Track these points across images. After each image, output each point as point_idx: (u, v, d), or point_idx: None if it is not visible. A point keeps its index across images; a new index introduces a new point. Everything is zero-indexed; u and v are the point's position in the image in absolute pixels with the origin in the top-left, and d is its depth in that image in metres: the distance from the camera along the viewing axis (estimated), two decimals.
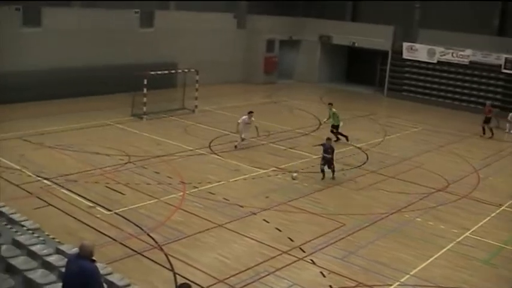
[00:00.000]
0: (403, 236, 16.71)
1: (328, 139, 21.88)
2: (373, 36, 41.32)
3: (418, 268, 14.68)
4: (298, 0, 46.76)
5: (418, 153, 25.95)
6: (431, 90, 39.85)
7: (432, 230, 17.29)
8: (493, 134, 30.21)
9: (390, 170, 23.12)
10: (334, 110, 27.02)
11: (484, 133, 30.46)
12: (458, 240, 16.60)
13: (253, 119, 24.83)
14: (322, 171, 21.30)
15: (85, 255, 8.41)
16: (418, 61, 40.44)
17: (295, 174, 20.29)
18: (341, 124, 26.97)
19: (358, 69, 46.26)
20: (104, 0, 33.89)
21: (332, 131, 26.73)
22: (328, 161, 21.25)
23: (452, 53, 38.63)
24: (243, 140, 24.76)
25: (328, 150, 21.20)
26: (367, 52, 43.87)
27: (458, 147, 27.79)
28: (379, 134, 29.25)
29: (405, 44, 40.81)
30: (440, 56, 39.20)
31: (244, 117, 24.65)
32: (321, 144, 21.63)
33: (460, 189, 21.11)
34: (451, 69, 39.08)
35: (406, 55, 40.88)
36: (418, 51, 40.25)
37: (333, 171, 21.39)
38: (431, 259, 15.28)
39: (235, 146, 24.62)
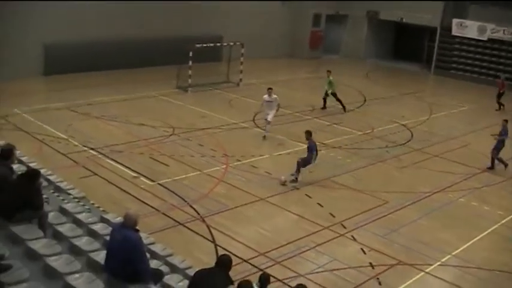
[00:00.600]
0: (446, 216, 16.55)
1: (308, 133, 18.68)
2: (421, 12, 40.43)
3: (460, 249, 14.53)
4: None
5: (465, 133, 25.52)
6: (480, 68, 38.97)
7: (476, 211, 17.08)
8: (501, 107, 30.38)
9: (435, 148, 22.82)
10: (331, 78, 27.25)
11: (499, 108, 30.38)
12: (502, 222, 16.36)
13: (274, 95, 22.52)
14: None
15: (129, 225, 8.54)
16: (468, 38, 39.46)
17: (283, 178, 17.94)
18: (329, 91, 27.32)
19: (405, 45, 45.43)
20: None
21: (325, 99, 27.53)
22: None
23: (504, 31, 37.58)
24: (268, 123, 22.25)
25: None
26: (415, 28, 43.03)
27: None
28: (425, 112, 28.84)
29: (455, 21, 39.85)
30: (492, 33, 38.18)
31: (264, 96, 22.68)
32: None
33: (507, 171, 20.70)
34: (502, 47, 38.05)
35: (455, 32, 39.94)
36: (468, 28, 39.27)
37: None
38: (473, 240, 15.11)
39: (264, 137, 22.39)
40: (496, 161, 20.83)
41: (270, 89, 22.76)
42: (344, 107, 27.32)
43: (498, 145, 20.78)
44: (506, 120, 21.41)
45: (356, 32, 44.79)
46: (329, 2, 43.01)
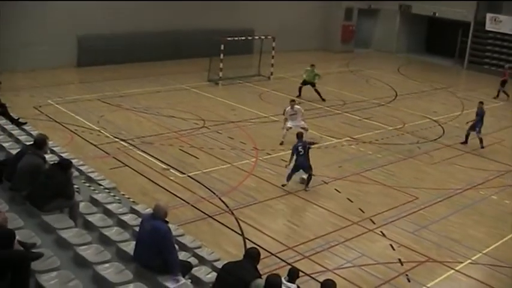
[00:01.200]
0: (477, 213, 16.35)
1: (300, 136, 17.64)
2: (454, 6, 39.91)
3: (491, 247, 14.34)
4: None
5: (498, 129, 25.13)
6: None
7: (508, 208, 16.83)
8: (508, 96, 30.81)
9: (467, 145, 22.53)
10: (316, 70, 27.55)
11: (497, 96, 31.06)
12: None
13: (297, 106, 21.38)
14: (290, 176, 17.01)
15: (159, 216, 8.60)
16: (502, 33, 38.79)
17: (303, 177, 17.23)
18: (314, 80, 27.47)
19: (438, 40, 44.86)
20: None
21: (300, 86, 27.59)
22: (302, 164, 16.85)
23: None
24: (288, 129, 20.79)
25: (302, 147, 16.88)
26: (448, 23, 42.47)
27: None
28: (457, 107, 28.49)
29: (489, 15, 39.22)
30: None
31: (287, 108, 21.34)
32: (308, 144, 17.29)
33: None
34: None
35: (489, 27, 39.30)
36: (502, 23, 38.61)
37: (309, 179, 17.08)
38: (505, 239, 14.89)
39: (281, 143, 20.77)
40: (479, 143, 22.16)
41: (293, 101, 21.62)
42: (321, 97, 27.51)
43: (477, 124, 22.03)
44: (481, 102, 22.67)
45: (388, 26, 44.38)
46: None
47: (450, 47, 42.86)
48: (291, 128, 20.70)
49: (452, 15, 40.61)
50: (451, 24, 42.34)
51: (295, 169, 16.83)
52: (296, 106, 21.38)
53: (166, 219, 8.70)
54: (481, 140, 22.14)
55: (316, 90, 27.42)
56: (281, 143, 20.66)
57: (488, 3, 39.87)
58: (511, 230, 15.37)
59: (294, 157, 16.80)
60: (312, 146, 17.67)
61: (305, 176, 17.14)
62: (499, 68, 38.28)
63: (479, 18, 39.75)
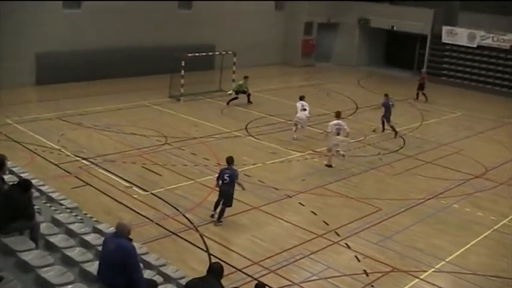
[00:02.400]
0: (440, 222, 16.56)
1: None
2: (412, 20, 40.66)
3: (455, 255, 14.54)
4: None
5: (457, 139, 25.58)
6: (471, 75, 39.12)
7: (469, 216, 17.10)
8: (427, 99, 33.05)
9: (428, 155, 22.86)
10: (241, 82, 28.89)
11: (417, 98, 33.37)
12: (495, 227, 16.37)
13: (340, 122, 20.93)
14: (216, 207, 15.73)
15: (122, 234, 8.50)
16: (458, 45, 39.68)
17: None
18: (231, 92, 29.14)
19: (397, 52, 45.61)
20: None
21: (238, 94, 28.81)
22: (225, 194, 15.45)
23: (493, 37, 37.83)
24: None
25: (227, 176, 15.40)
26: (406, 36, 43.22)
27: (497, 133, 27.33)
28: (416, 118, 28.89)
29: (445, 28, 40.09)
30: (481, 40, 38.42)
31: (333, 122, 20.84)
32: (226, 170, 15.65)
33: (499, 176, 20.78)
34: (492, 53, 38.28)
35: (445, 39, 40.16)
36: (458, 35, 39.50)
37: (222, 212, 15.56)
38: (468, 246, 15.13)
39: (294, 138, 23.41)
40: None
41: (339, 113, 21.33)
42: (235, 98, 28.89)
43: (385, 115, 25.06)
44: (386, 95, 25.63)
45: (348, 39, 44.91)
46: (320, 10, 43.13)
47: (409, 60, 43.61)
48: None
49: (410, 29, 41.40)
50: (409, 37, 43.14)
51: (219, 197, 15.52)
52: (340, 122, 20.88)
53: (130, 237, 8.61)
54: (393, 128, 24.95)
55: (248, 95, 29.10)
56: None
57: (444, 16, 40.71)
58: (474, 237, 15.63)
59: (220, 183, 15.40)
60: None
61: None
62: (457, 79, 39.22)
63: (436, 31, 40.61)
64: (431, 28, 40.81)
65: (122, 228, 8.55)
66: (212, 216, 15.61)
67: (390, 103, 25.42)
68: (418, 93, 33.47)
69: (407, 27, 41.37)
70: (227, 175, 15.34)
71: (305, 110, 23.50)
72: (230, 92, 29.53)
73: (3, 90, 26.96)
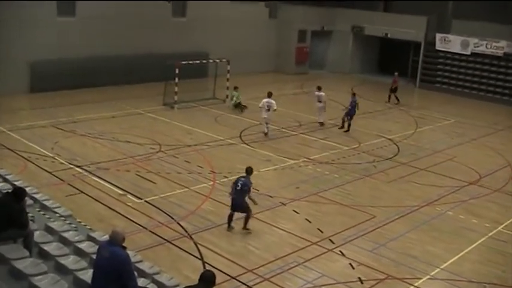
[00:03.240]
0: (434, 229, 16.57)
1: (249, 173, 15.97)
2: (405, 27, 40.86)
3: (449, 262, 14.54)
4: None
5: (451, 146, 25.65)
6: (464, 82, 39.27)
7: (464, 223, 17.11)
8: (398, 101, 34.26)
9: (422, 162, 22.90)
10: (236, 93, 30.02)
11: (389, 100, 34.59)
12: (490, 234, 16.39)
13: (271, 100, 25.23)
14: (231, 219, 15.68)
15: (116, 242, 8.46)
16: (451, 52, 39.86)
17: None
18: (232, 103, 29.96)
19: (391, 60, 45.72)
20: None
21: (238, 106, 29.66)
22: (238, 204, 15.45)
23: (487, 44, 37.99)
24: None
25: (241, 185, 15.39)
26: (399, 43, 43.39)
27: (491, 140, 27.40)
28: (410, 125, 28.96)
29: (438, 35, 40.26)
30: (474, 47, 38.58)
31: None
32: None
33: (493, 183, 20.82)
34: (485, 60, 38.44)
35: (439, 46, 40.33)
36: (452, 43, 39.67)
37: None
38: (462, 253, 15.13)
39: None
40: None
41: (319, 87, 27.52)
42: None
43: (351, 112, 26.58)
44: (354, 94, 27.31)
45: (341, 47, 45.06)
46: (314, 18, 43.30)
47: (403, 67, 43.73)
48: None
49: (403, 36, 41.59)
50: (402, 45, 43.28)
51: (231, 209, 15.50)
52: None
53: (124, 244, 8.57)
54: (349, 125, 26.54)
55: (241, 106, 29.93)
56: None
57: (437, 24, 40.87)
58: (468, 244, 15.64)
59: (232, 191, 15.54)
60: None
61: None
62: (451, 86, 39.35)
63: (430, 38, 40.78)
64: (424, 35, 40.97)
65: (116, 236, 8.51)
66: (229, 229, 15.50)
67: (356, 102, 26.89)
68: (390, 96, 34.65)
69: (401, 34, 41.57)
70: (240, 182, 15.34)
71: (268, 110, 24.97)
72: (230, 105, 29.92)
73: None
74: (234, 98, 29.77)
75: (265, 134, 25.07)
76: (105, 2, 32.58)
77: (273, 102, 24.98)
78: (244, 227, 15.47)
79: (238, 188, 15.30)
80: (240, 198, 15.32)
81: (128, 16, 33.41)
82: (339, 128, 26.76)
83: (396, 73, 35.17)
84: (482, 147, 26.10)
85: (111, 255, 8.32)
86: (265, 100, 25.08)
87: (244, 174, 15.69)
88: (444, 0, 40.16)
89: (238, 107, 29.53)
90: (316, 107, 27.73)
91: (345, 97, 34.28)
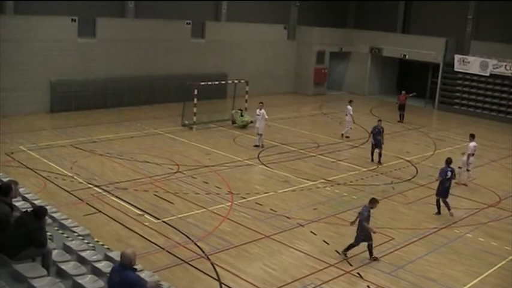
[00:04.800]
0: (453, 251, 16.40)
1: None
2: (424, 49, 40.87)
3: (468, 285, 14.37)
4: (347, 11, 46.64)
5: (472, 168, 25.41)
6: (483, 103, 39.10)
7: (483, 246, 16.92)
8: (403, 119, 35.04)
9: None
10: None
11: (400, 119, 35.01)
12: (510, 258, 16.18)
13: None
14: None
15: (126, 264, 8.42)
16: (470, 74, 39.69)
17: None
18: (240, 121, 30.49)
19: (409, 81, 45.62)
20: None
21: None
22: None
23: (506, 66, 37.77)
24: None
25: None
26: (418, 64, 43.35)
27: (510, 162, 27.15)
28: (429, 147, 28.81)
29: (457, 57, 40.16)
30: (493, 68, 38.40)
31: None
32: None
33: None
34: (505, 82, 38.21)
35: (457, 68, 40.19)
36: (470, 64, 39.52)
37: None
38: (482, 276, 14.93)
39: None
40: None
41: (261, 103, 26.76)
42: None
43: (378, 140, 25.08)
44: (380, 120, 26.07)
45: (359, 68, 45.15)
46: (332, 39, 43.47)
47: (421, 88, 43.60)
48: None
49: (422, 57, 41.56)
50: (421, 66, 43.22)
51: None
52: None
53: (135, 266, 8.53)
54: (380, 155, 25.00)
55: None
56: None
57: (456, 45, 40.80)
58: (488, 267, 15.44)
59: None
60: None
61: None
62: (469, 107, 39.16)
63: (448, 60, 40.69)
64: (443, 57, 40.90)
65: (125, 258, 8.46)
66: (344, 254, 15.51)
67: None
68: (400, 115, 35.18)
69: (419, 55, 41.57)
70: (361, 210, 15.48)
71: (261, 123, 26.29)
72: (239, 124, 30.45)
73: (18, 118, 27.26)
74: (242, 120, 30.33)
75: (258, 146, 26.22)
76: (125, 23, 33.03)
77: (264, 112, 26.38)
78: (372, 257, 15.44)
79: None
80: (359, 227, 15.36)
81: (148, 37, 33.76)
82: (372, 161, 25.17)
83: (404, 91, 35.53)
84: (501, 169, 25.88)
85: (121, 280, 8.27)
86: (257, 112, 26.54)
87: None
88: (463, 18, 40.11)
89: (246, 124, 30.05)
90: (258, 128, 26.92)
91: (364, 118, 34.37)
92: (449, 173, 18.71)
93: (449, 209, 18.81)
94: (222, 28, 38.43)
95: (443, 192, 19.01)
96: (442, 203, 19.02)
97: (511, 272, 15.38)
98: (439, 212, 19.15)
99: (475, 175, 24.13)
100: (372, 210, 15.40)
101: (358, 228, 15.35)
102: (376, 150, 25.00)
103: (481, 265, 15.58)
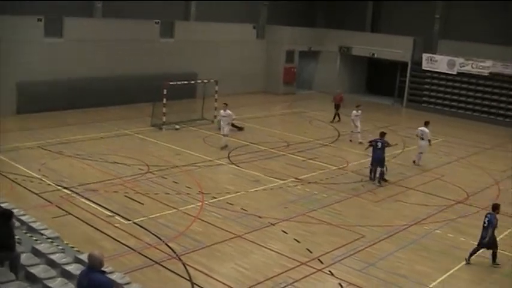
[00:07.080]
0: (423, 248, 16.57)
1: None
2: (392, 48, 41.25)
3: (438, 280, 14.53)
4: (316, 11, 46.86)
5: (438, 165, 25.76)
6: (451, 101, 39.63)
7: (452, 242, 17.13)
8: (339, 119, 33.81)
9: (410, 181, 22.98)
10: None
11: (333, 120, 33.87)
12: (478, 253, 16.39)
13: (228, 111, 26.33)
14: None
15: (94, 267, 8.32)
16: (438, 72, 40.22)
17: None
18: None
19: (378, 80, 46.13)
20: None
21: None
22: None
23: (472, 64, 38.36)
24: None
25: None
26: (386, 63, 43.73)
27: (478, 159, 27.57)
28: (398, 145, 29.05)
29: (425, 55, 40.63)
30: (460, 67, 38.95)
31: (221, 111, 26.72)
32: None
33: (481, 202, 20.86)
34: (471, 80, 38.82)
35: (425, 66, 40.67)
36: (438, 62, 40.03)
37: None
38: (451, 271, 15.13)
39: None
40: None
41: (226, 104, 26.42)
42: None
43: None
44: (384, 133, 23.37)
45: (329, 67, 45.34)
46: (302, 39, 43.63)
47: (390, 87, 44.04)
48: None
49: (390, 56, 41.93)
50: (389, 65, 43.59)
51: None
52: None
53: (110, 267, 8.46)
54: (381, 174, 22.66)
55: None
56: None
57: (424, 44, 41.27)
58: (456, 263, 15.63)
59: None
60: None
61: None
62: (437, 105, 39.65)
63: (416, 58, 41.14)
64: (411, 55, 41.32)
65: (93, 260, 8.34)
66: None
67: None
68: (336, 114, 34.13)
69: (388, 54, 41.93)
70: (486, 218, 15.54)
71: (228, 124, 26.38)
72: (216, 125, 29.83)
73: None
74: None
75: (225, 147, 25.96)
76: (93, 23, 32.73)
77: (231, 113, 26.47)
78: (493, 262, 15.64)
79: (485, 225, 15.52)
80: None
81: (116, 37, 33.49)
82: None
83: (338, 91, 35.50)
84: (469, 166, 26.24)
85: (89, 284, 8.18)
86: (221, 113, 26.53)
87: (491, 211, 15.79)
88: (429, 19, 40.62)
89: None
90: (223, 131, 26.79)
91: (332, 117, 34.47)
92: (379, 144, 22.00)
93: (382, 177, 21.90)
94: (191, 28, 38.29)
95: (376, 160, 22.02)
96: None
97: (480, 267, 15.60)
98: (371, 179, 22.31)
99: (443, 172, 24.44)
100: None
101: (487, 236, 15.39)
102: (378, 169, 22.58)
103: (450, 261, 15.77)
